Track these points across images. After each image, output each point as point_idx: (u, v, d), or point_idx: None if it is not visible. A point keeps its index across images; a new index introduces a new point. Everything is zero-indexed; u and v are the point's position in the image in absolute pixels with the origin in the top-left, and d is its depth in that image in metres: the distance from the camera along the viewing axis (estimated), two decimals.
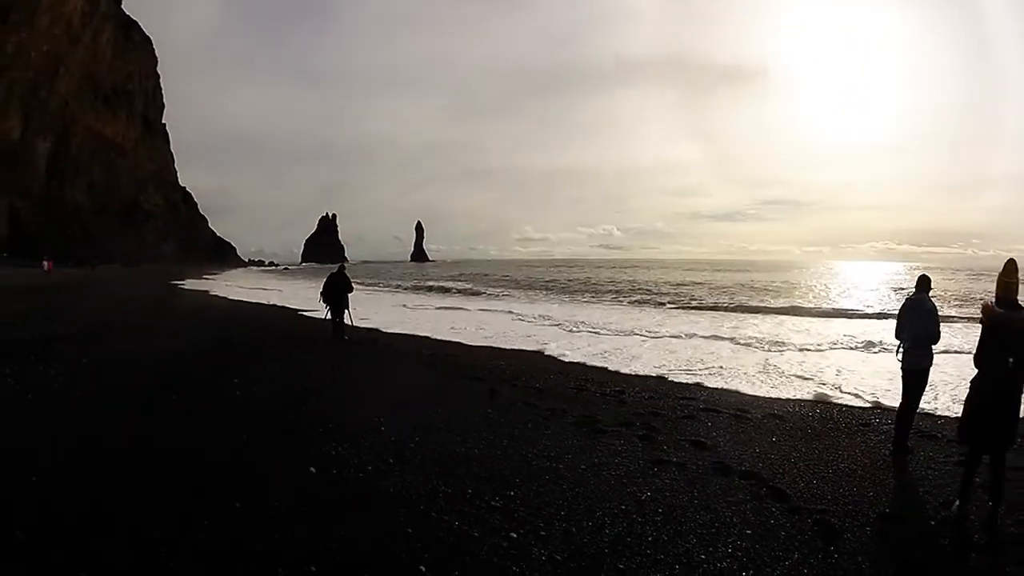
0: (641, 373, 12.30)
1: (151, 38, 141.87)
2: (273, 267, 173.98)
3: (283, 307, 29.12)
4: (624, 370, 12.58)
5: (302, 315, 24.40)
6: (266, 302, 32.91)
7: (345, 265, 16.91)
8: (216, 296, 38.10)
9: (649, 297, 37.59)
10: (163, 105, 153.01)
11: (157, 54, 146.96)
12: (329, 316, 16.03)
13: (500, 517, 4.81)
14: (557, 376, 11.67)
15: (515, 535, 4.46)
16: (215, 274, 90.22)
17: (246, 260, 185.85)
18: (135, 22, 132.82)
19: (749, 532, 4.65)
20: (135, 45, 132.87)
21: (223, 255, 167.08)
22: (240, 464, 5.92)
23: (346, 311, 15.89)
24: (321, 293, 16.09)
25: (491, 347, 16.07)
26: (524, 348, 15.94)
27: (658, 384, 11.23)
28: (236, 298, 36.21)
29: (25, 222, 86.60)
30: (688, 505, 5.18)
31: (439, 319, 24.21)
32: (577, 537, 4.49)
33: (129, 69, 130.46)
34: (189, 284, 52.89)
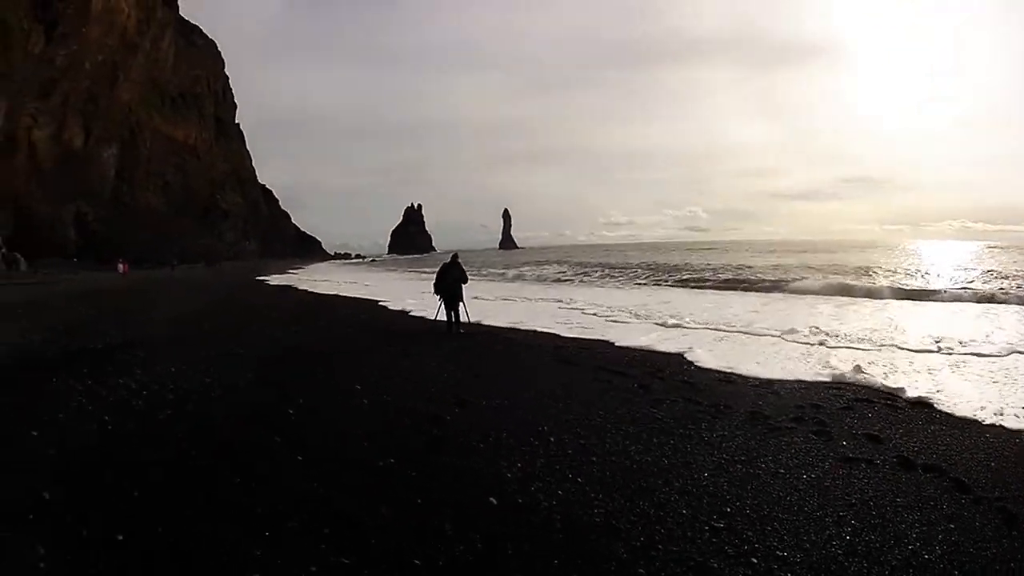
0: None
1: (215, 40, 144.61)
2: (360, 259, 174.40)
3: (376, 301, 27.53)
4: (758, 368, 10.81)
5: (394, 308, 23.37)
6: (359, 295, 31.68)
7: (458, 254, 16.44)
8: (305, 291, 36.50)
9: (751, 281, 33.62)
10: (235, 105, 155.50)
11: (224, 55, 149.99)
12: (443, 308, 15.50)
13: (729, 540, 4.34)
14: (696, 369, 10.77)
15: (755, 560, 4.09)
16: (299, 268, 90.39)
17: (331, 253, 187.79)
18: (196, 26, 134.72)
19: (952, 527, 4.54)
20: (198, 49, 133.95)
21: (308, 249, 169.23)
22: (398, 504, 4.84)
23: (461, 303, 15.47)
24: (435, 284, 15.70)
25: (603, 339, 14.38)
26: (647, 339, 14.15)
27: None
28: (326, 292, 35.03)
29: (93, 226, 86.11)
30: (894, 505, 4.95)
31: (544, 310, 22.53)
32: (813, 553, 4.17)
33: (195, 73, 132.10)
34: (274, 280, 52.34)
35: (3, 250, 60.24)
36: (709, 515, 4.67)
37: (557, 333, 15.67)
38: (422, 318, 18.96)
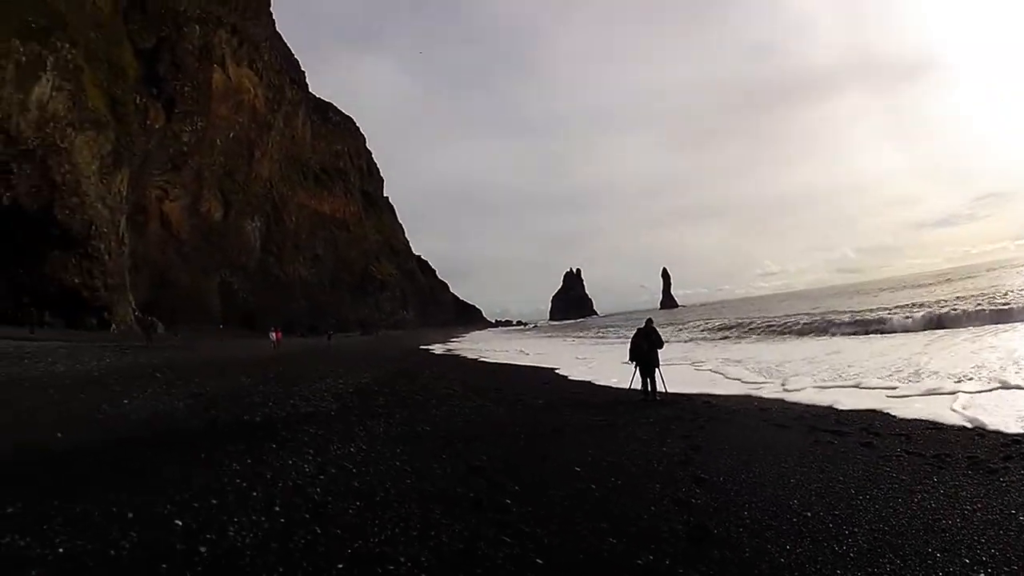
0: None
1: (351, 117, 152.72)
2: (521, 326, 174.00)
3: (553, 369, 26.86)
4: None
5: (576, 378, 22.39)
6: (533, 364, 30.95)
7: (652, 319, 16.75)
8: (475, 360, 36.02)
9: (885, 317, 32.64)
10: (381, 179, 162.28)
11: (369, 132, 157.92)
12: (638, 376, 15.36)
13: None
14: (899, 420, 10.95)
15: None
16: (461, 337, 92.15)
17: (492, 320, 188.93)
18: (329, 104, 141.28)
19: None
20: (334, 125, 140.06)
21: (468, 317, 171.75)
22: None
23: (657, 370, 15.23)
24: (630, 351, 15.70)
25: (799, 399, 14.18)
26: (836, 393, 14.42)
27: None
28: (497, 361, 34.62)
29: (240, 296, 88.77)
30: None
31: (727, 370, 21.78)
32: None
33: (336, 148, 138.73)
34: (438, 348, 52.28)
35: (137, 313, 62.56)
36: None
37: (750, 394, 15.65)
38: (610, 387, 18.34)
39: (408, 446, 9.89)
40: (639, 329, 15.74)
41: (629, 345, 15.79)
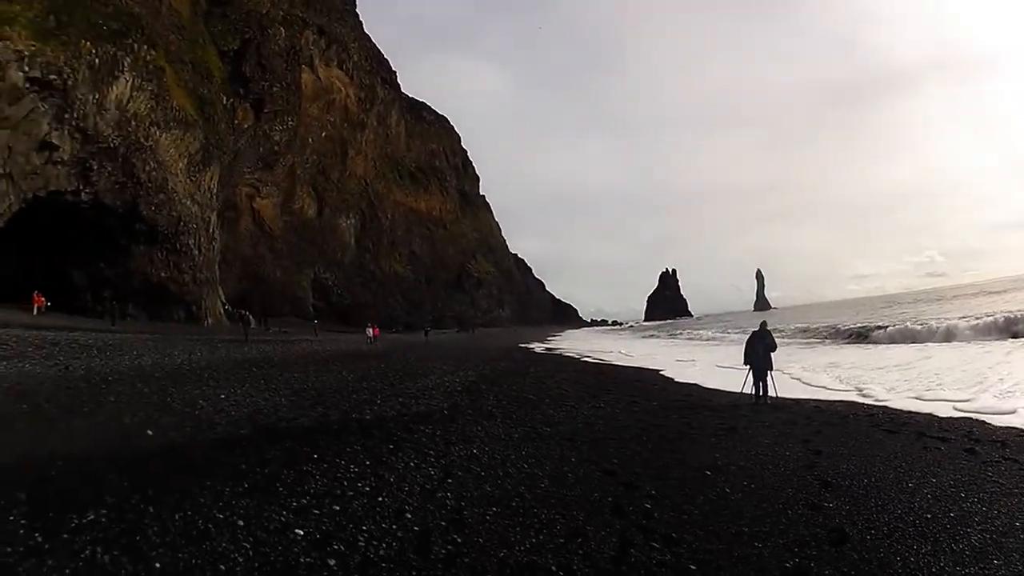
0: None
1: (446, 116, 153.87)
2: (616, 325, 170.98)
3: (657, 370, 26.51)
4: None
5: (681, 380, 22.00)
6: (636, 364, 30.50)
7: (767, 322, 16.72)
8: (577, 359, 35.94)
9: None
10: (477, 177, 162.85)
11: (465, 131, 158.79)
12: (750, 379, 15.37)
13: None
14: (979, 424, 11.44)
15: None
16: (558, 335, 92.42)
17: (588, 320, 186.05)
18: (423, 103, 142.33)
19: None
20: (429, 124, 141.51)
21: (563, 316, 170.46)
22: None
23: (769, 373, 15.20)
24: (744, 354, 15.61)
25: (899, 406, 14.02)
26: (932, 398, 14.65)
27: None
28: (601, 360, 34.28)
29: (334, 291, 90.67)
30: None
31: (829, 375, 21.33)
32: None
33: (431, 147, 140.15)
34: (537, 346, 52.30)
35: (227, 307, 64.60)
36: None
37: (854, 400, 15.36)
38: (720, 390, 18.15)
39: (533, 448, 9.71)
40: (754, 332, 15.80)
41: (744, 348, 15.79)
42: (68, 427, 9.79)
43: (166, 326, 47.82)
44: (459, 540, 5.63)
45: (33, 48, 35.76)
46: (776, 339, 16.38)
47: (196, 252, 54.75)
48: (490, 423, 11.79)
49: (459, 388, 17.40)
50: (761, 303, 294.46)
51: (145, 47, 46.79)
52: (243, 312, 66.20)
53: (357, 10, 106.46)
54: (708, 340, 55.82)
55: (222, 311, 60.29)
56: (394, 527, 5.90)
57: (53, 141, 38.32)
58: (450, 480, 7.63)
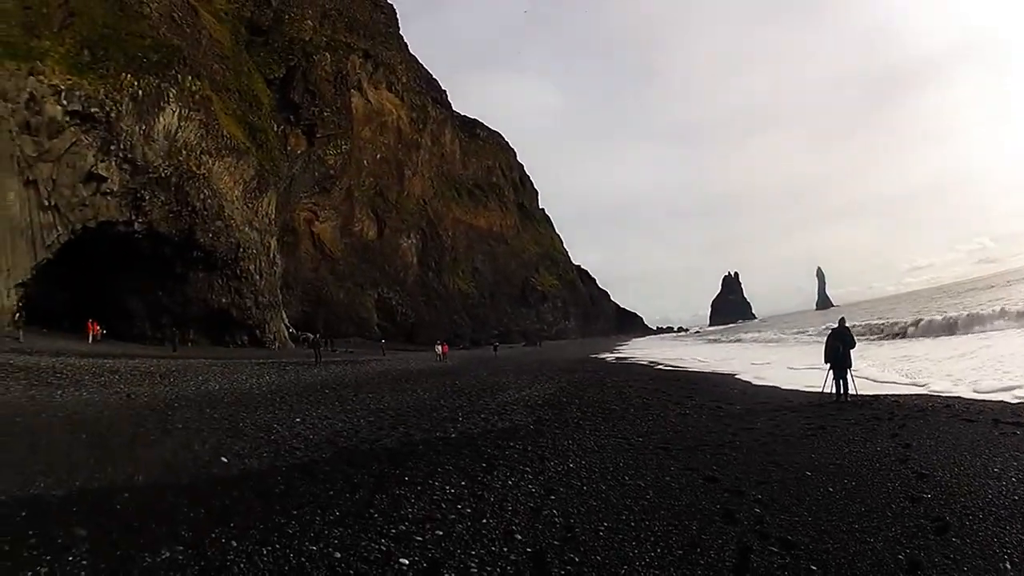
0: None
1: (499, 132, 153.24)
2: (682, 332, 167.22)
3: (732, 374, 26.24)
4: None
5: (760, 383, 21.77)
6: (711, 370, 30.33)
7: (845, 319, 16.97)
8: (650, 366, 36.00)
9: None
10: (535, 191, 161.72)
11: (520, 147, 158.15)
12: (831, 378, 15.27)
13: None
14: None
15: None
16: (625, 344, 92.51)
17: (653, 328, 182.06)
18: (476, 120, 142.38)
19: None
20: (483, 141, 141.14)
21: (629, 325, 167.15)
22: None
23: (849, 370, 15.11)
24: (825, 353, 15.55)
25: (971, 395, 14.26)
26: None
27: None
28: (674, 367, 34.17)
29: (398, 311, 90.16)
30: None
31: (895, 369, 21.10)
32: None
33: (487, 164, 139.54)
34: (608, 356, 51.94)
35: (291, 330, 64.89)
36: None
37: (928, 393, 15.24)
38: (800, 391, 17.90)
39: (629, 459, 9.47)
40: (833, 330, 15.79)
41: (824, 346, 15.72)
42: (133, 456, 9.28)
43: (229, 351, 47.99)
44: (576, 559, 5.45)
45: (70, 82, 36.38)
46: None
47: (257, 277, 55.01)
48: (580, 436, 11.51)
49: (539, 402, 17.12)
50: (823, 301, 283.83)
51: (190, 78, 47.42)
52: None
53: (401, 32, 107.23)
54: (776, 342, 55.28)
55: (286, 334, 60.48)
56: (505, 550, 5.70)
57: (100, 172, 38.89)
58: (553, 497, 7.39)
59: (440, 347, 51.08)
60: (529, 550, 5.64)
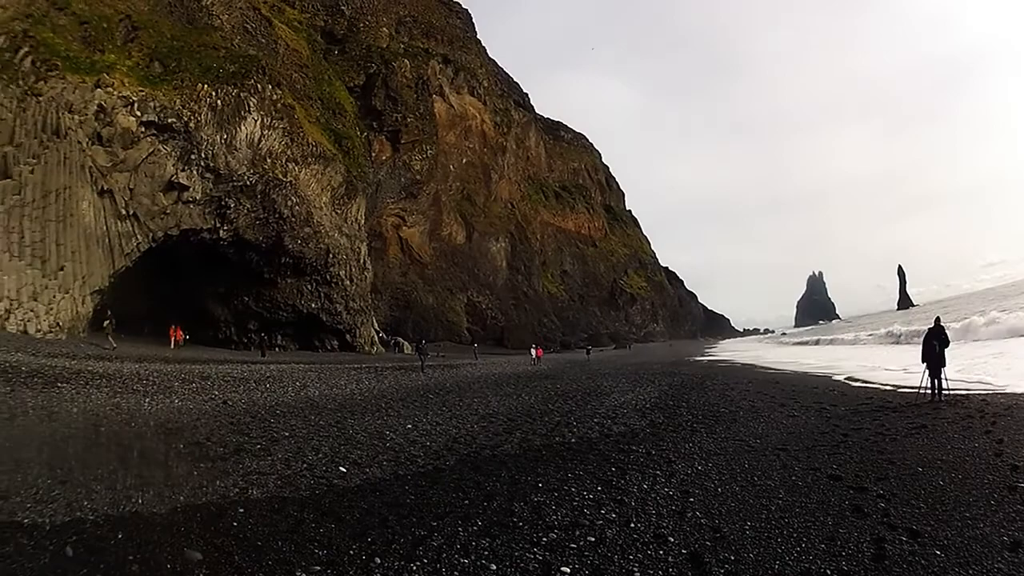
0: None
1: (583, 133, 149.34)
2: (769, 334, 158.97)
3: (828, 375, 25.67)
4: None
5: (857, 384, 21.44)
6: (811, 371, 29.61)
7: (940, 318, 16.89)
8: (751, 367, 35.88)
9: None
10: (622, 192, 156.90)
11: (603, 147, 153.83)
12: (927, 377, 15.16)
13: None
14: None
15: None
16: (715, 346, 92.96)
17: (740, 330, 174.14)
18: (559, 122, 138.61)
19: None
20: (568, 143, 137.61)
21: (716, 327, 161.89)
22: None
23: (943, 369, 15.12)
24: (922, 352, 15.50)
25: None
26: None
27: None
28: (773, 367, 34.11)
29: (488, 315, 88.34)
30: None
31: (980, 369, 21.05)
32: None
33: (572, 166, 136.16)
34: (703, 358, 51.59)
35: (381, 334, 64.03)
36: None
37: (1013, 392, 15.19)
38: (896, 391, 18.02)
39: (752, 461, 9.51)
40: (930, 329, 15.74)
41: (921, 347, 15.75)
42: (242, 468, 8.83)
43: (318, 355, 47.08)
44: (732, 558, 5.59)
45: (142, 93, 35.70)
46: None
47: (348, 282, 53.96)
48: (698, 439, 11.51)
49: (648, 405, 16.87)
50: (904, 301, 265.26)
51: (270, 87, 46.54)
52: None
53: (478, 36, 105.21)
54: (864, 343, 54.76)
55: (376, 338, 59.36)
56: (662, 552, 5.78)
57: (181, 182, 38.19)
58: (691, 499, 7.48)
59: (535, 351, 50.03)
60: (684, 551, 5.74)
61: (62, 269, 31.05)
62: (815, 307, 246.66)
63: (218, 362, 29.03)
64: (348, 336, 53.75)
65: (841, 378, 23.88)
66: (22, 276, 29.04)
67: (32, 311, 29.03)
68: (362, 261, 58.89)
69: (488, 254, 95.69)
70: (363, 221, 61.86)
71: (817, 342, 70.35)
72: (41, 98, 31.13)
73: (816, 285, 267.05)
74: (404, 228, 78.24)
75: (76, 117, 32.48)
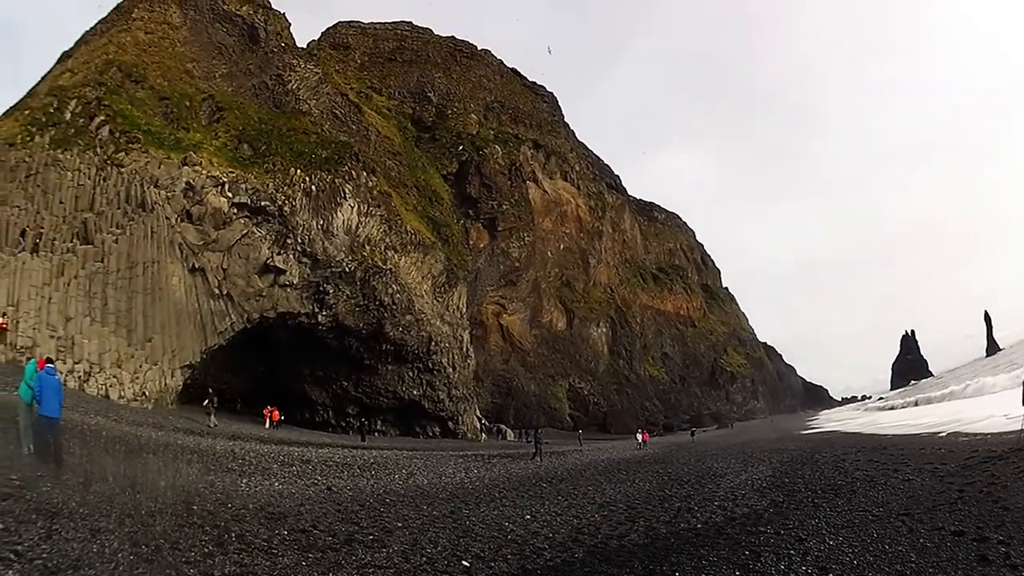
0: None
1: (676, 213, 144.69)
2: (867, 400, 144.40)
3: (932, 433, 24.99)
4: None
5: (962, 438, 20.70)
6: (908, 432, 28.96)
7: None
8: (860, 435, 34.36)
9: None
10: (718, 270, 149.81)
11: (692, 224, 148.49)
12: None
13: None
14: None
15: None
16: (817, 418, 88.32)
17: (839, 399, 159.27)
18: (652, 203, 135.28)
19: None
20: (662, 223, 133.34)
21: (816, 399, 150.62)
22: None
23: None
24: (1022, 397, 15.34)
25: None
26: None
27: None
28: (887, 433, 32.39)
29: (590, 401, 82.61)
30: None
31: None
32: None
33: (668, 246, 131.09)
34: (807, 431, 50.69)
35: (483, 421, 60.28)
36: None
37: None
38: (996, 439, 17.66)
39: (879, 529, 9.22)
40: None
41: (1021, 392, 15.56)
42: (354, 559, 8.25)
43: (419, 441, 44.41)
44: None
45: (232, 174, 34.60)
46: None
47: (451, 370, 50.83)
48: (823, 514, 11.03)
49: (764, 484, 16.24)
50: (992, 347, 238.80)
51: (364, 173, 45.34)
52: (499, 426, 62.02)
53: (566, 119, 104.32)
54: (958, 396, 51.22)
55: (478, 425, 55.39)
56: None
57: (278, 265, 36.51)
58: (830, 574, 7.49)
59: (641, 435, 47.36)
60: None
61: (150, 341, 29.55)
62: (909, 367, 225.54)
63: (317, 445, 27.64)
64: (450, 423, 50.21)
65: (944, 434, 23.64)
66: (105, 342, 27.60)
67: (115, 377, 27.32)
68: (465, 349, 56.05)
69: (589, 340, 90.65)
70: (464, 309, 59.31)
71: (916, 403, 66.20)
72: (123, 169, 30.56)
73: (909, 344, 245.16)
74: (505, 315, 74.93)
75: (163, 192, 31.63)
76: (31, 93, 39.88)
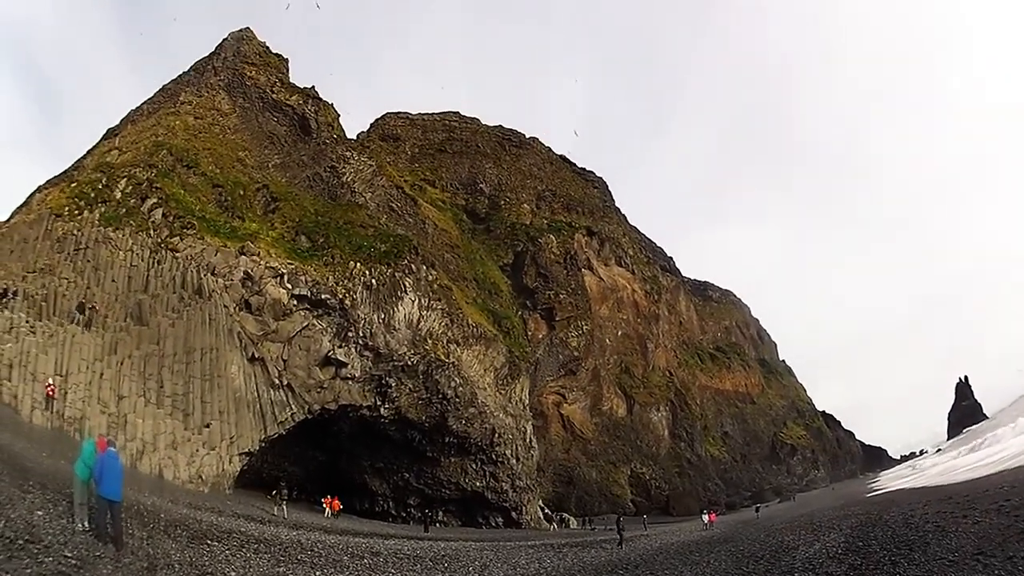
0: None
1: (730, 290, 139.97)
2: (924, 454, 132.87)
3: (997, 473, 26.18)
4: None
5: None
6: (970, 477, 29.76)
7: None
8: (925, 488, 34.74)
9: None
10: (774, 343, 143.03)
11: (746, 299, 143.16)
12: None
13: None
14: None
15: None
16: (877, 479, 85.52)
17: (898, 457, 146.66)
18: (706, 282, 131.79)
19: None
20: (716, 302, 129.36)
21: (875, 460, 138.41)
22: None
23: None
24: None
25: None
26: None
27: None
28: (941, 484, 33.34)
29: (652, 485, 78.00)
30: None
31: None
32: None
33: (724, 325, 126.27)
34: (867, 495, 48.84)
35: (545, 510, 56.64)
36: None
37: None
38: None
39: (957, 573, 9.36)
40: None
41: None
42: None
43: (482, 531, 42.54)
44: None
45: (291, 266, 33.65)
46: None
47: (514, 461, 48.26)
48: (902, 569, 11.00)
49: (838, 551, 15.48)
50: None
51: (424, 267, 44.30)
52: (561, 515, 58.46)
53: (617, 205, 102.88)
54: (1011, 435, 51.49)
55: (541, 515, 52.32)
56: None
57: (339, 358, 35.33)
58: None
59: (707, 516, 45.42)
60: None
61: (208, 426, 28.37)
62: (964, 414, 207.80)
63: (383, 536, 26.70)
64: (514, 513, 47.35)
65: (1005, 472, 22.97)
66: (160, 423, 26.61)
67: (170, 458, 26.09)
68: (528, 440, 53.42)
69: (650, 424, 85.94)
70: (527, 400, 56.82)
71: (972, 449, 65.89)
72: (178, 254, 30.14)
73: (963, 391, 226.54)
74: (565, 405, 71.75)
75: (220, 281, 31.14)
76: (77, 166, 40.24)
